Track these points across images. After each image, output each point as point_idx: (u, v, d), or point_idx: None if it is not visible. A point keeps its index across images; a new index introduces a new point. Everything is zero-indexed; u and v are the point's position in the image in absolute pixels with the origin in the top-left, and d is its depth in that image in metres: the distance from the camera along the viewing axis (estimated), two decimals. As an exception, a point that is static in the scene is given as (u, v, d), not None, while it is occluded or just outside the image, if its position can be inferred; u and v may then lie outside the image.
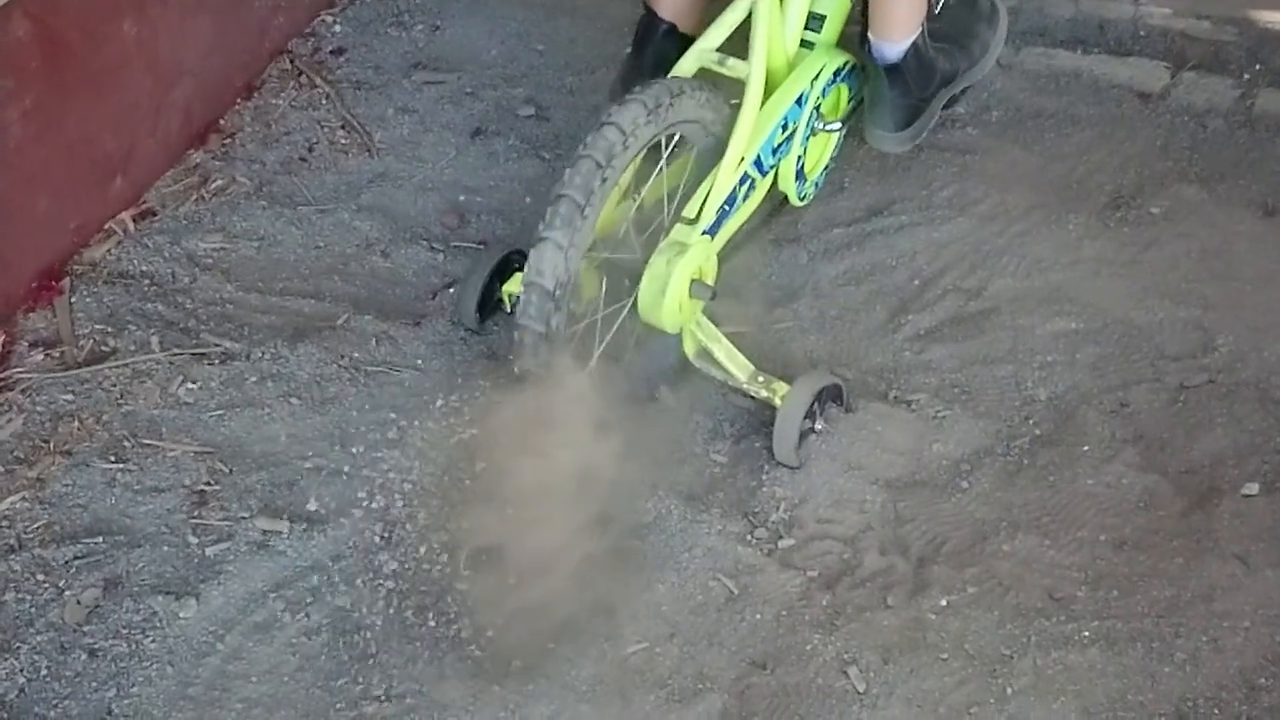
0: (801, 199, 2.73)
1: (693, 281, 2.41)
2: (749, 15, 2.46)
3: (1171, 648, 2.16)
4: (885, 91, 2.64)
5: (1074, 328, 2.67)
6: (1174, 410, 2.51)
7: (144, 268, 2.83)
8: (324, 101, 3.22)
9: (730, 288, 2.64)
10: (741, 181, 2.48)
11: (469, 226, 2.94)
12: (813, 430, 2.45)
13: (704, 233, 2.42)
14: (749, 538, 2.35)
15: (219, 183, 3.02)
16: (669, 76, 2.40)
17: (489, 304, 2.64)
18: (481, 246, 2.87)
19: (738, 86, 2.48)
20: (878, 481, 2.43)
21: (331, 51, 3.35)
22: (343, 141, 3.14)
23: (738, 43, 2.52)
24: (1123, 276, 2.76)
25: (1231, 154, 3.02)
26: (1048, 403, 2.54)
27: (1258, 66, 3.23)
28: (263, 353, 2.65)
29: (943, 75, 2.70)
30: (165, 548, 2.35)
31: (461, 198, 3.00)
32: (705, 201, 2.43)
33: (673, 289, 2.37)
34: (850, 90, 2.73)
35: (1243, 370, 2.57)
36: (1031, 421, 2.51)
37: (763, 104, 2.49)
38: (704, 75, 2.48)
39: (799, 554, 2.33)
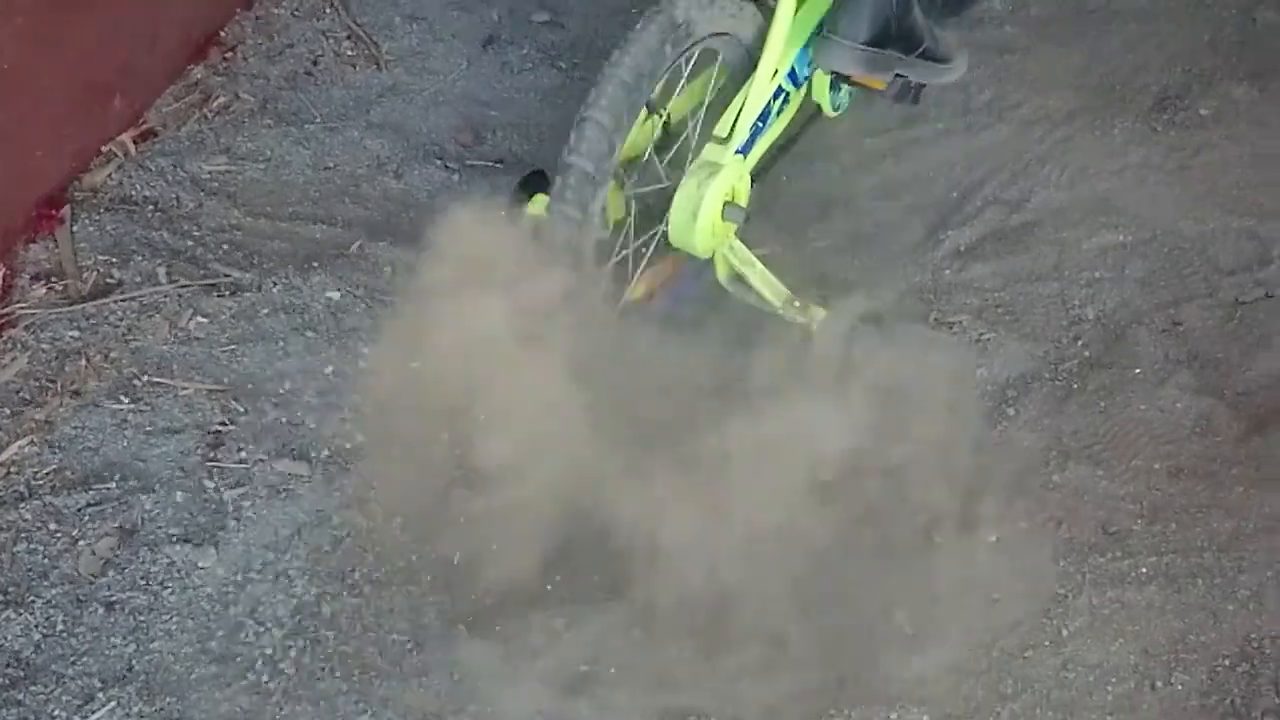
0: (836, 110, 2.59)
1: (725, 204, 2.29)
2: (780, -84, 2.30)
3: (1234, 584, 2.07)
4: None
5: (1121, 240, 2.55)
6: (1229, 328, 2.41)
7: (147, 193, 2.71)
8: (327, 10, 3.08)
9: (761, 205, 2.52)
10: (775, 95, 2.35)
11: (485, 143, 2.81)
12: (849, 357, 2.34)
13: (736, 151, 2.30)
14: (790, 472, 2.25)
15: (221, 100, 2.89)
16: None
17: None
18: (499, 165, 2.74)
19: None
20: (921, 409, 2.31)
21: (334, -45, 3.20)
22: (349, 53, 3.00)
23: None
24: (1172, 184, 2.64)
25: (1282, 49, 2.88)
26: (1096, 322, 2.43)
27: (1308, -47, 3.07)
28: (274, 283, 2.54)
29: (914, 27, 2.45)
30: (181, 493, 2.26)
31: (475, 112, 2.87)
32: (738, 119, 2.30)
33: (705, 212, 2.26)
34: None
35: (1301, 283, 2.46)
36: (1080, 343, 2.41)
37: (796, 10, 2.35)
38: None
39: (842, 488, 2.23)
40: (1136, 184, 2.64)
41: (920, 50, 2.44)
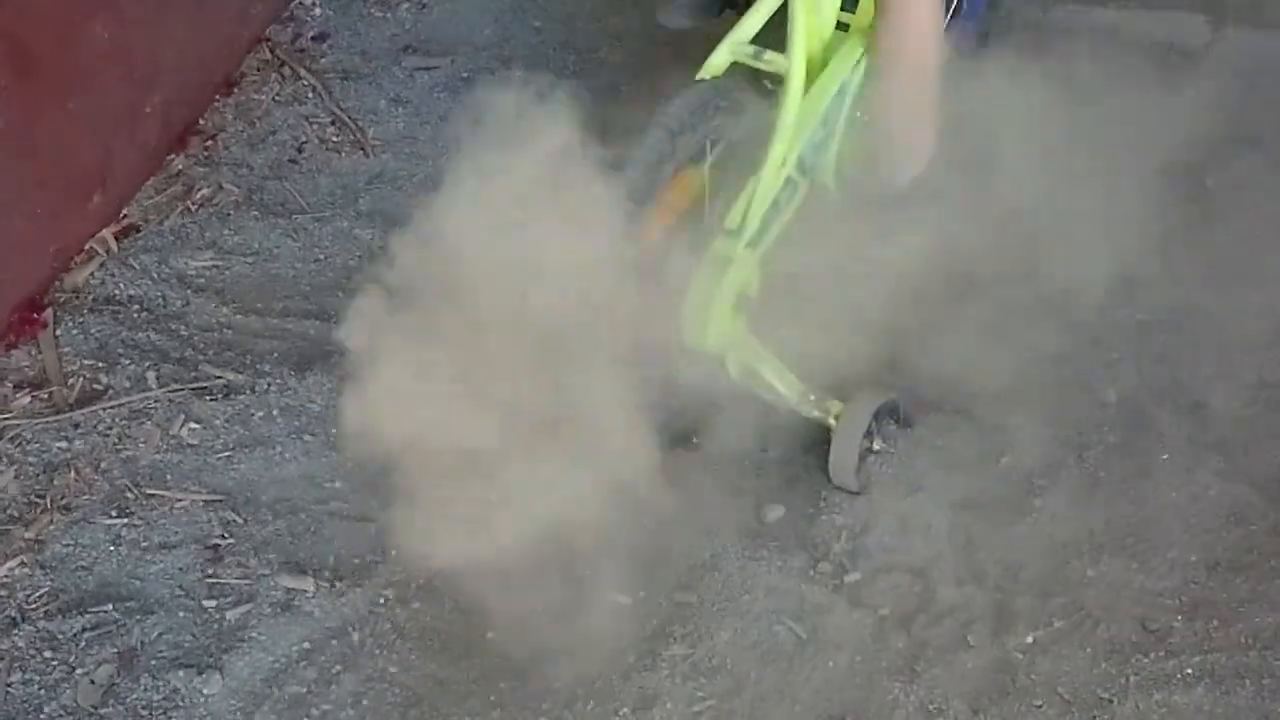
0: (841, 190, 2.53)
1: (737, 296, 2.22)
2: (784, 3, 2.25)
3: (1282, 684, 2.01)
4: None
5: (1138, 318, 2.50)
6: (1254, 409, 2.36)
7: (132, 291, 2.62)
8: (310, 94, 3.00)
9: (766, 291, 2.46)
10: (784, 185, 2.29)
11: (479, 230, 2.73)
12: (871, 451, 2.28)
13: (747, 244, 2.23)
14: (812, 573, 2.19)
15: (204, 191, 2.81)
16: (698, 80, 2.19)
17: None
18: (494, 253, 2.66)
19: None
20: (945, 503, 2.26)
21: (313, 37, 3.13)
22: (334, 139, 2.92)
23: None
24: (1184, 258, 2.59)
25: (1284, 115, 2.85)
26: (1119, 405, 2.38)
27: (1300, 16, 3.05)
28: (268, 384, 2.46)
29: None
30: (181, 613, 2.17)
31: (468, 197, 2.79)
32: (748, 210, 2.23)
33: (717, 308, 2.19)
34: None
35: (1325, 361, 2.41)
36: (1104, 428, 2.35)
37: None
38: (737, 70, 2.28)
39: (868, 589, 2.17)
40: (1149, 258, 2.58)
41: None
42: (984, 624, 2.11)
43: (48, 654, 2.13)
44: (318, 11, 3.19)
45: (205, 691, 2.08)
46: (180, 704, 2.07)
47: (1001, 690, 2.04)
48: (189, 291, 2.62)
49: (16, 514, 2.29)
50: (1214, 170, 2.74)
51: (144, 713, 2.06)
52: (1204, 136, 2.81)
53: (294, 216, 2.76)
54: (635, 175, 2.04)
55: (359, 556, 2.24)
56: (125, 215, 2.76)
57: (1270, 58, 2.95)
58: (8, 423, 2.41)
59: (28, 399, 2.45)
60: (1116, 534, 2.20)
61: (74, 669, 2.11)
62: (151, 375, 2.48)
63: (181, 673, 2.10)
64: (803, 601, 2.15)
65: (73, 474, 2.34)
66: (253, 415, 2.42)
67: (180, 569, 2.22)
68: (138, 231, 2.73)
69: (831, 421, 2.27)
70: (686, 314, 2.20)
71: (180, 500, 2.31)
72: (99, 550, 2.25)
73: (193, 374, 2.49)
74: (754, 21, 2.28)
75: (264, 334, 2.56)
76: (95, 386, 2.46)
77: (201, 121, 2.94)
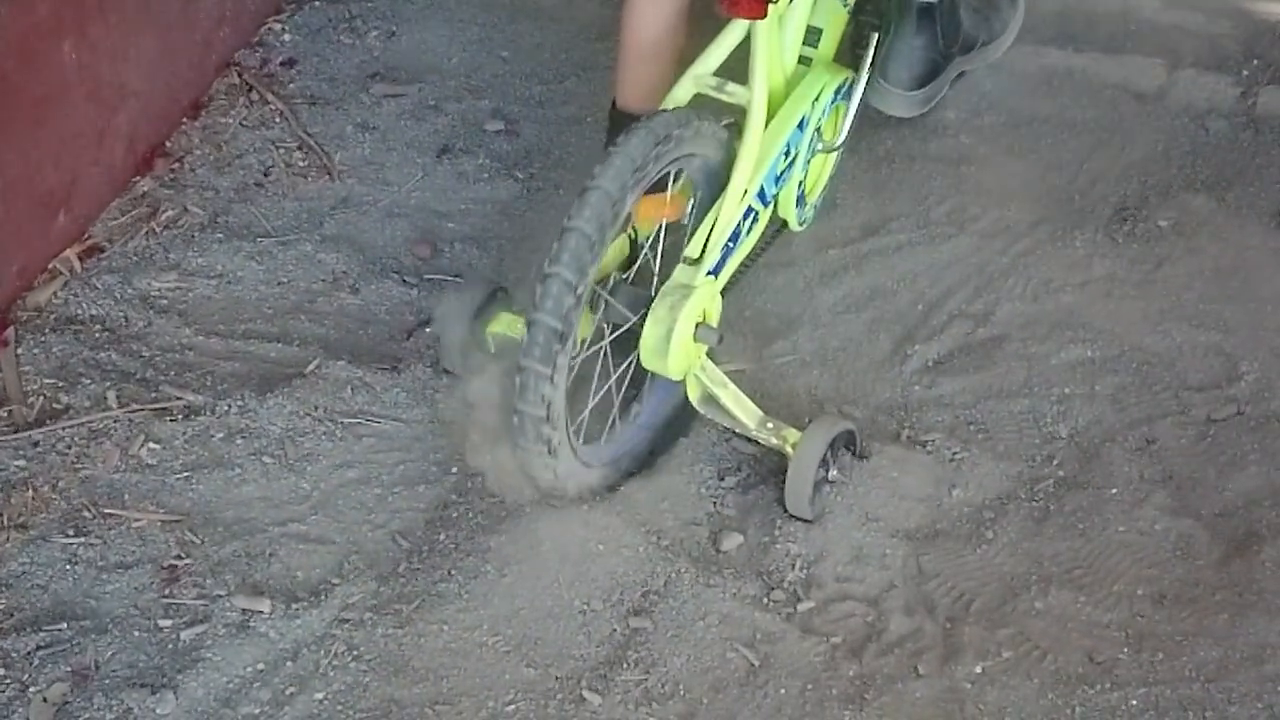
0: (801, 224, 2.58)
1: (698, 325, 2.25)
2: (747, 36, 2.28)
3: (1225, 717, 2.04)
4: (910, 39, 2.39)
5: (1090, 356, 2.54)
6: (1203, 446, 2.39)
7: (94, 311, 2.63)
8: (277, 119, 3.02)
9: (725, 320, 2.49)
10: (745, 215, 2.32)
11: (442, 256, 2.76)
12: (827, 480, 2.30)
13: (708, 273, 2.26)
14: (766, 600, 2.21)
15: (170, 213, 2.82)
16: (661, 111, 2.22)
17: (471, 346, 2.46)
18: (458, 279, 2.69)
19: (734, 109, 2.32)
20: (898, 533, 2.29)
21: (282, 63, 3.15)
22: (300, 164, 2.94)
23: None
24: (1136, 298, 2.64)
25: (1237, 159, 2.91)
26: (1069, 440, 2.41)
27: (1255, 62, 3.12)
28: (229, 405, 2.47)
29: (965, 38, 2.45)
30: (136, 633, 2.17)
31: (432, 224, 2.82)
32: (709, 240, 2.27)
33: (678, 335, 2.21)
34: (848, 107, 2.57)
35: (1271, 400, 2.45)
36: (1055, 462, 2.38)
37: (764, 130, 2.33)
38: (700, 101, 2.31)
39: (820, 617, 2.19)
40: (1101, 297, 2.63)
41: (978, 45, 2.40)
42: (934, 654, 2.13)
43: (0, 671, 2.12)
44: (287, 38, 3.21)
45: (159, 711, 2.08)
46: (133, 723, 2.07)
47: (949, 719, 2.06)
48: (151, 312, 2.63)
49: (-28, 532, 2.29)
50: (1167, 211, 2.79)
51: (97, 732, 2.06)
52: (1158, 178, 2.87)
53: (259, 240, 2.77)
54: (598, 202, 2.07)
55: (316, 578, 2.24)
56: (89, 236, 2.76)
57: (1224, 101, 3.01)
58: (-35, 441, 2.40)
59: (-14, 417, 2.45)
60: (1064, 567, 2.23)
61: (27, 687, 2.10)
62: (112, 395, 2.48)
63: (135, 692, 2.09)
64: (756, 629, 2.17)
65: (30, 492, 2.34)
66: (213, 436, 2.43)
67: (136, 588, 2.22)
68: (102, 252, 2.73)
69: (788, 450, 2.29)
70: (647, 340, 2.22)
71: (138, 520, 2.31)
72: (55, 569, 2.24)
73: (153, 394, 2.49)
74: (717, 55, 2.31)
75: (226, 356, 2.57)
76: (55, 405, 2.47)
77: (168, 144, 2.95)
